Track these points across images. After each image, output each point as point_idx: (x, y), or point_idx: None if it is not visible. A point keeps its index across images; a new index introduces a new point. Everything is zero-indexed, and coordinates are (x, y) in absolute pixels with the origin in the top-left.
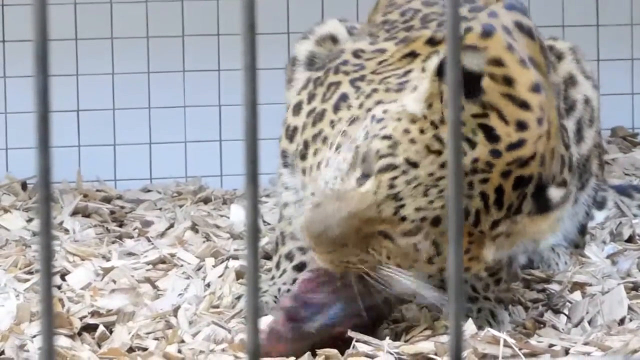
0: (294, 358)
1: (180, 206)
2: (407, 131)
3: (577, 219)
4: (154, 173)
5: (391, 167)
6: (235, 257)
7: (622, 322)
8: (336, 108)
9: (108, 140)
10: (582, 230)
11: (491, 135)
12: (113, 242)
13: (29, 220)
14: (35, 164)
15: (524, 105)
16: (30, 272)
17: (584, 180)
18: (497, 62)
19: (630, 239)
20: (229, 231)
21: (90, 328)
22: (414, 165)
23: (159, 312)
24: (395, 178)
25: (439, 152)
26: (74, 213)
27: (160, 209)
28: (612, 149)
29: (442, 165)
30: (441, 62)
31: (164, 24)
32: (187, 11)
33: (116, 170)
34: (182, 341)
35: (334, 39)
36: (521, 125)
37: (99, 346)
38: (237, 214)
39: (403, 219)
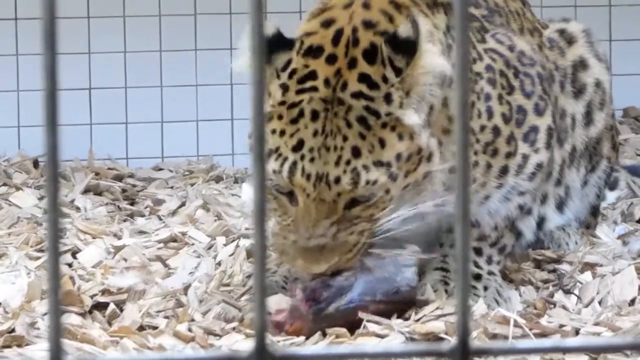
0: (304, 337)
1: (192, 185)
2: (273, 131)
3: (588, 200)
4: (165, 151)
5: (293, 167)
6: (247, 236)
7: (632, 302)
8: None
9: (120, 119)
10: (594, 211)
11: (314, 51)
12: (124, 221)
13: (41, 198)
14: (43, 142)
15: (324, 10)
16: (41, 250)
17: (594, 162)
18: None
19: None
20: (240, 210)
21: (101, 306)
22: (300, 144)
23: (170, 290)
24: (303, 169)
25: (302, 113)
26: (86, 191)
27: (171, 187)
28: (624, 130)
29: (314, 116)
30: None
31: (176, 2)
32: None
33: (128, 148)
34: (193, 320)
35: None
36: (327, 23)
37: (110, 324)
38: (249, 193)
39: (337, 181)
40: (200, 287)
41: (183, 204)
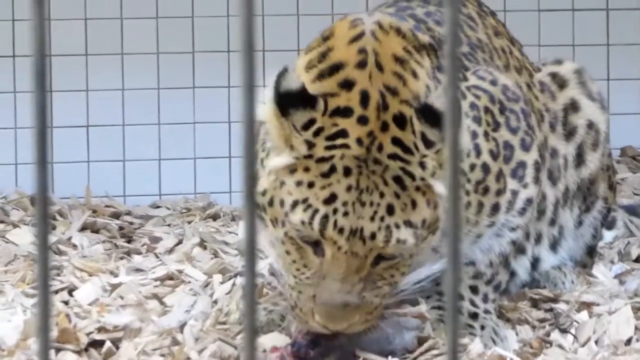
0: None
1: (189, 222)
2: (299, 183)
3: (583, 240)
4: (163, 189)
5: (324, 219)
6: (243, 274)
7: (629, 342)
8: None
9: (117, 156)
10: (590, 251)
11: (343, 112)
12: (121, 258)
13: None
14: (33, 181)
15: (335, 68)
16: (37, 288)
17: (588, 202)
18: (327, 38)
19: (638, 259)
20: (238, 248)
21: (97, 344)
22: (333, 198)
23: (166, 328)
24: (336, 223)
25: (333, 168)
26: (83, 228)
27: (169, 225)
28: (621, 169)
29: (347, 173)
30: (277, 100)
31: (174, 40)
32: (197, 27)
33: (125, 185)
34: (188, 358)
35: None
36: (348, 85)
37: None
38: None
39: (373, 237)
40: (196, 325)
41: (180, 242)
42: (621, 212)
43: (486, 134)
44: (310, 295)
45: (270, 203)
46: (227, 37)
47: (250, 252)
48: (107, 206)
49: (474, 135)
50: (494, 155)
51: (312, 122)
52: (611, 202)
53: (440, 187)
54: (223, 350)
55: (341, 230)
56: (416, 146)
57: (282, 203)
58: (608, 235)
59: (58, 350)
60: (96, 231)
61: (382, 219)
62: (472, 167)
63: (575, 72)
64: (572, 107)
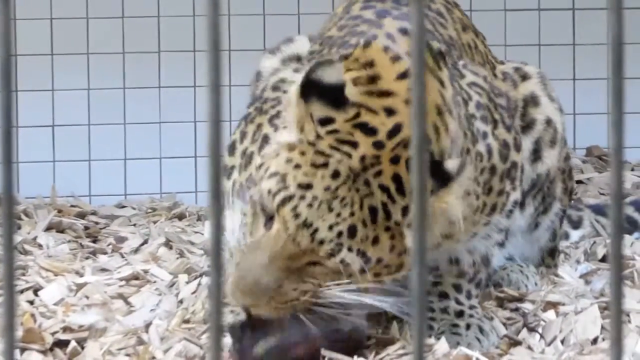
0: None
1: (155, 222)
2: (289, 160)
3: (539, 245)
4: (128, 189)
5: (288, 198)
6: (209, 274)
7: (595, 341)
8: (260, 150)
9: (83, 156)
10: (552, 252)
11: (367, 129)
12: (87, 258)
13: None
14: None
15: (386, 93)
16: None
17: (546, 204)
18: (369, 64)
19: (604, 259)
20: (203, 247)
21: (62, 344)
22: (308, 187)
23: (131, 328)
24: (296, 207)
25: (325, 165)
26: (48, 228)
27: (134, 225)
28: (587, 169)
29: (334, 175)
30: (303, 83)
31: (140, 40)
32: (163, 27)
33: (91, 185)
34: (154, 357)
35: (299, 59)
36: (389, 111)
37: None
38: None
39: (321, 242)
40: (162, 325)
41: (145, 242)
42: (587, 212)
43: (493, 132)
44: (237, 262)
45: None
46: (192, 37)
47: (216, 251)
48: (72, 206)
49: (484, 135)
50: (502, 155)
51: (329, 120)
52: (566, 205)
53: (410, 241)
54: (189, 350)
55: (297, 216)
56: (411, 193)
57: (266, 169)
58: (574, 234)
59: (23, 350)
60: (62, 231)
61: (339, 234)
62: (483, 170)
63: (538, 73)
64: (533, 100)
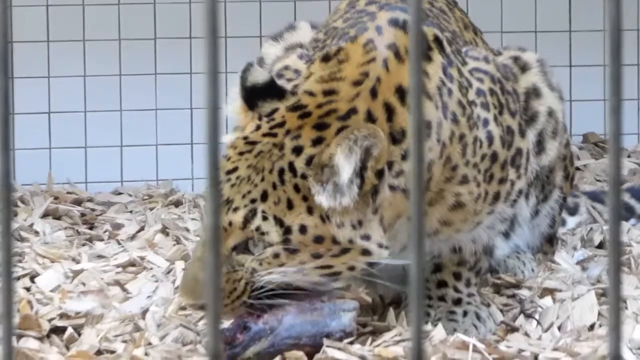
0: None
1: (151, 209)
2: (228, 158)
3: (539, 230)
4: (125, 176)
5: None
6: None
7: (591, 328)
8: None
9: (79, 143)
10: (550, 239)
11: (298, 107)
12: (83, 245)
13: None
14: None
15: (336, 79)
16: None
17: (546, 192)
18: (345, 60)
19: (600, 245)
20: (199, 234)
21: (58, 330)
22: (234, 170)
23: (128, 314)
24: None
25: (251, 150)
26: (45, 215)
27: (130, 211)
28: (583, 155)
29: (257, 154)
30: (244, 95)
31: (136, 27)
32: (159, 14)
33: (87, 172)
34: (150, 344)
35: (302, 47)
36: (328, 92)
37: (68, 348)
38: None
39: (235, 209)
40: (158, 312)
41: (142, 229)
42: (584, 199)
43: (495, 119)
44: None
45: None
46: (189, 24)
47: (214, 238)
48: (69, 193)
49: (485, 122)
50: (504, 142)
51: (274, 111)
52: (566, 192)
53: (321, 198)
54: (185, 336)
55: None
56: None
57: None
58: (571, 221)
59: (20, 336)
60: (58, 218)
61: (252, 200)
62: (483, 157)
63: (538, 60)
64: (534, 92)
